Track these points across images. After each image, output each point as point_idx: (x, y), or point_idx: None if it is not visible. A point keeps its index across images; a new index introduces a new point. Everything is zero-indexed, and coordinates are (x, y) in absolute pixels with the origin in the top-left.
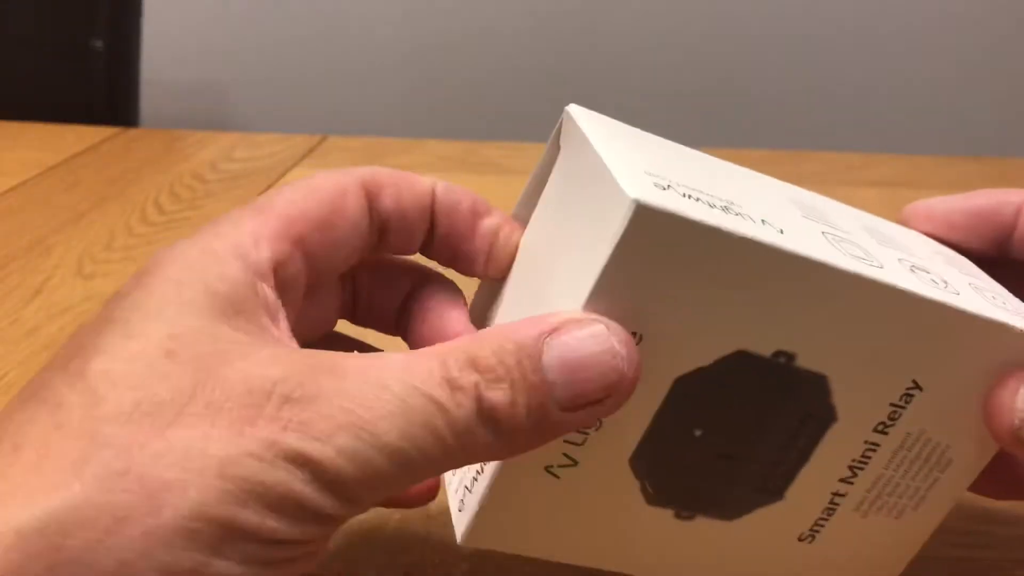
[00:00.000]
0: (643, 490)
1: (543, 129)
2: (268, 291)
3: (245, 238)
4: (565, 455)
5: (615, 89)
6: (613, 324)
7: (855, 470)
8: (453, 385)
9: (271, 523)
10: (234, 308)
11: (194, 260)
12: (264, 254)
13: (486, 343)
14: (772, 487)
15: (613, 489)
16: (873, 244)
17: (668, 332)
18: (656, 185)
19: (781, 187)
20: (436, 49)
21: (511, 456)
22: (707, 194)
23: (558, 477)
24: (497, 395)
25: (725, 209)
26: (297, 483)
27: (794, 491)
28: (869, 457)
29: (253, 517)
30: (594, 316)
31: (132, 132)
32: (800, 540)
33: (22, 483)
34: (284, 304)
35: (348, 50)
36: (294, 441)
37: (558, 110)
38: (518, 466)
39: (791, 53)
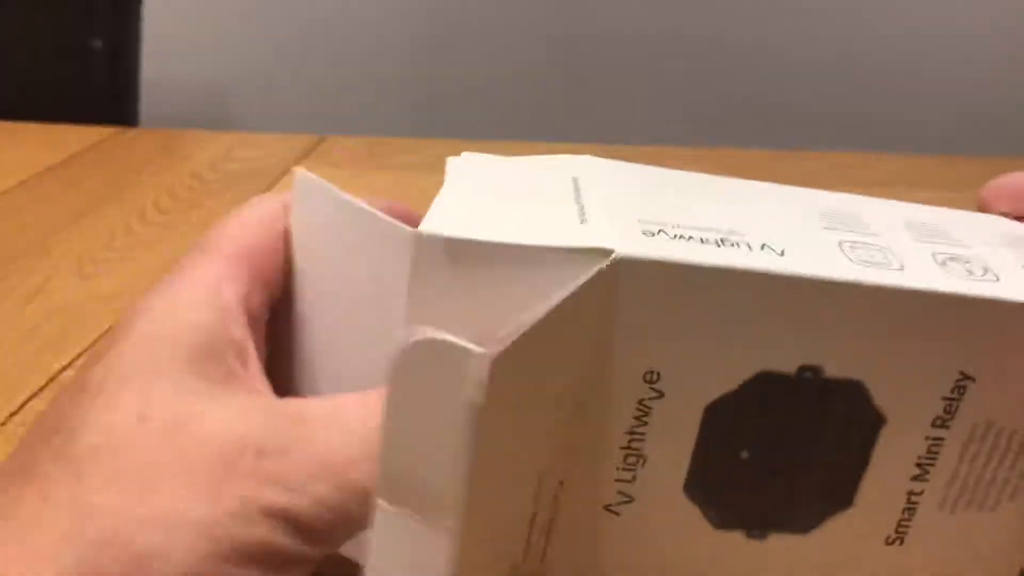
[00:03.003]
0: (706, 516)
1: (544, 128)
2: (239, 329)
3: (208, 281)
4: (620, 492)
5: (616, 88)
6: None
7: (925, 467)
8: None
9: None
10: (205, 355)
11: (162, 313)
12: (229, 293)
13: None
14: (838, 496)
15: (676, 519)
16: (905, 242)
17: (686, 365)
18: (645, 232)
19: (809, 200)
20: (436, 49)
21: None
22: (702, 228)
23: (618, 514)
24: None
25: (720, 242)
26: (278, 536)
27: (864, 496)
28: (936, 453)
29: (237, 573)
30: None
31: (132, 132)
32: (888, 544)
33: (16, 556)
34: (256, 336)
35: (348, 50)
36: (271, 495)
37: (559, 109)
38: (576, 505)
39: (792, 52)
